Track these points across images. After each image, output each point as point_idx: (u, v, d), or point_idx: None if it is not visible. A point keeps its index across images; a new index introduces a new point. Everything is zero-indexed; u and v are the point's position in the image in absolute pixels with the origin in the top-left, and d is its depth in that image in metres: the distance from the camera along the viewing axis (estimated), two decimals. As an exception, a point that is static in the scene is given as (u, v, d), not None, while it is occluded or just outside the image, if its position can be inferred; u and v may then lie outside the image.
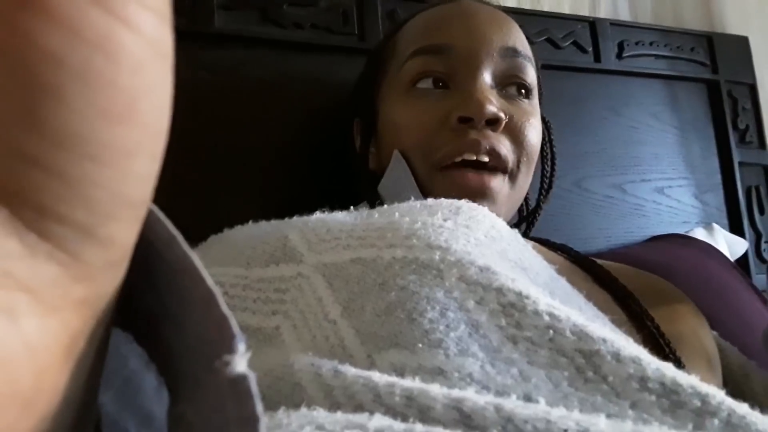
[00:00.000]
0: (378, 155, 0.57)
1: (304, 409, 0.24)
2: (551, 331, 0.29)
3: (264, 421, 0.12)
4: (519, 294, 0.31)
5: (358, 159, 0.59)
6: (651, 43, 0.93)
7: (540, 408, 0.24)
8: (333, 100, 0.69)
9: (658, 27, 0.97)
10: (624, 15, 1.04)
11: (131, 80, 0.11)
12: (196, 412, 0.13)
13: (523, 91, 0.53)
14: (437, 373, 0.28)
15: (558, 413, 0.24)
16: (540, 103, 0.56)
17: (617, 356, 0.28)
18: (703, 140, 0.96)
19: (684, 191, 0.93)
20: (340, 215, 0.41)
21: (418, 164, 0.51)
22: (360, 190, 0.59)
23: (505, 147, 0.50)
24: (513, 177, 0.52)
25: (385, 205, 0.41)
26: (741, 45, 1.02)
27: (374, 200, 0.54)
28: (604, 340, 0.29)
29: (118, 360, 0.14)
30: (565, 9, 0.97)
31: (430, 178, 0.51)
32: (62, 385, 0.12)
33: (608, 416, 0.25)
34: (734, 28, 1.06)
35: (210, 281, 0.13)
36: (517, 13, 0.58)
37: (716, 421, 0.26)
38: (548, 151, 0.60)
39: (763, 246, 0.96)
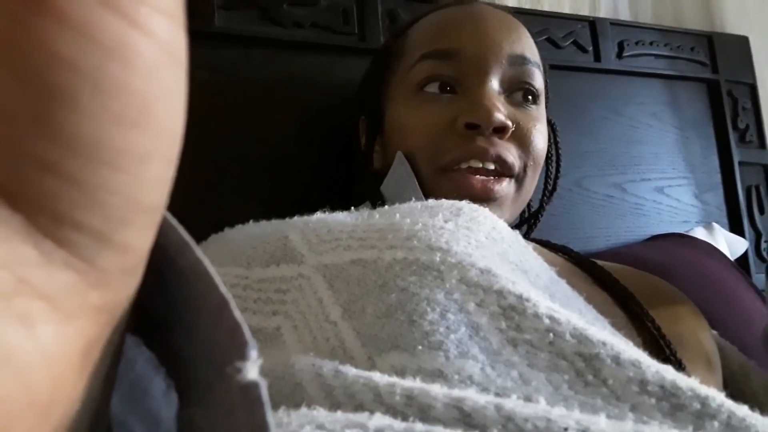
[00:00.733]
0: (383, 154, 0.56)
1: (304, 409, 0.24)
2: (551, 335, 0.29)
3: (274, 428, 0.12)
4: (519, 297, 0.31)
5: (363, 157, 0.58)
6: (651, 43, 0.93)
7: (540, 407, 0.24)
8: (333, 100, 0.69)
9: (658, 27, 0.97)
10: (624, 15, 1.03)
11: (145, 85, 0.11)
12: (205, 417, 0.13)
13: (530, 97, 0.53)
14: (437, 376, 0.28)
15: (558, 412, 0.24)
16: (546, 107, 0.56)
17: (617, 359, 0.28)
18: (703, 140, 0.96)
19: (684, 191, 0.93)
20: (340, 216, 0.41)
21: (422, 166, 0.51)
22: (363, 188, 0.59)
23: (511, 154, 0.50)
24: (519, 181, 0.52)
25: (387, 206, 0.41)
26: (741, 45, 1.02)
27: (377, 199, 0.54)
28: (604, 344, 0.29)
29: (125, 363, 0.14)
30: (565, 9, 0.97)
31: (434, 181, 0.51)
32: (78, 392, 0.11)
33: (608, 417, 0.25)
34: (734, 27, 1.05)
35: (223, 288, 0.13)
36: (517, 13, 0.58)
37: (716, 424, 0.26)
38: (553, 153, 0.60)
39: (763, 245, 0.96)
